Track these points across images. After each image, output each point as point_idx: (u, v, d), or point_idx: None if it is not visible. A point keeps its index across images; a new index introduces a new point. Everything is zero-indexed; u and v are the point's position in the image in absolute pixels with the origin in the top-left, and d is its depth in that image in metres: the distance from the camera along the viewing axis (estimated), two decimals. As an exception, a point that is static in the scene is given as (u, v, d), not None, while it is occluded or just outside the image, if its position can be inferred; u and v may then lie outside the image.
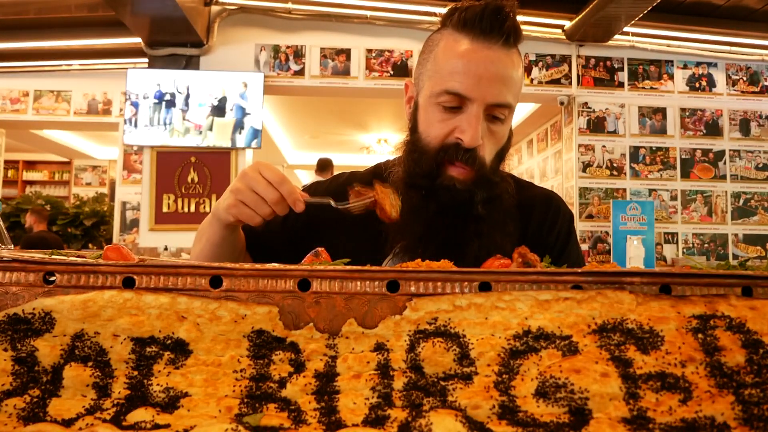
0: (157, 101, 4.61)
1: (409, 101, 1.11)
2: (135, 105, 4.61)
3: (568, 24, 4.64)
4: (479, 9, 0.98)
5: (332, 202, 0.94)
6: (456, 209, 1.00)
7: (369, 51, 4.77)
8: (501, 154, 1.04)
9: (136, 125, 4.61)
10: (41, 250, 0.66)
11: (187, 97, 4.61)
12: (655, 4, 3.95)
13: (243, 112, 4.64)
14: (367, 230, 1.04)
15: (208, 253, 1.03)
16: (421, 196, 1.02)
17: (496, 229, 1.02)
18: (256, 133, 4.67)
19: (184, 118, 4.62)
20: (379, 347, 0.55)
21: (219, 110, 4.63)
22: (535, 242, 1.05)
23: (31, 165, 9.77)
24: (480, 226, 1.01)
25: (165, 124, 4.61)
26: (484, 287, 0.59)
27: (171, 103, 4.61)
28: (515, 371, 0.52)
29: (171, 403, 0.51)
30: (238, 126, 4.65)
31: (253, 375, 0.53)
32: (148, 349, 0.55)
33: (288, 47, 4.75)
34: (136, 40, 4.64)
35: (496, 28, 0.97)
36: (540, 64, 4.86)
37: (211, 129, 4.63)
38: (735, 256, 4.83)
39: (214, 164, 4.66)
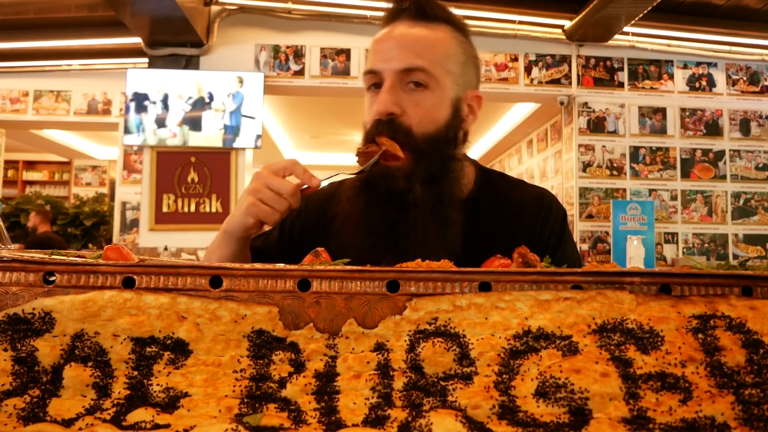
0: (157, 101, 4.61)
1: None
2: (135, 105, 4.61)
3: (568, 24, 4.64)
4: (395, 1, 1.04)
5: (345, 174, 0.97)
6: (390, 197, 0.99)
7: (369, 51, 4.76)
8: (441, 132, 1.01)
9: (136, 125, 4.61)
10: (41, 250, 0.66)
11: (187, 97, 4.61)
12: (655, 4, 3.95)
13: (243, 113, 4.64)
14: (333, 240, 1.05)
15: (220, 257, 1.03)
16: (357, 189, 1.04)
17: (439, 215, 1.00)
18: (256, 133, 4.67)
19: (184, 118, 4.62)
20: (379, 347, 0.55)
21: (219, 110, 4.63)
22: (528, 241, 1.05)
23: (31, 165, 9.77)
24: (420, 211, 0.99)
25: (165, 124, 4.61)
26: (484, 287, 0.59)
27: (171, 103, 4.61)
28: (515, 371, 0.52)
29: (171, 403, 0.51)
30: (239, 126, 4.64)
31: (253, 375, 0.53)
32: (148, 349, 0.55)
33: (288, 47, 4.75)
34: (136, 40, 4.63)
35: (399, 4, 1.03)
36: (540, 64, 4.86)
37: (211, 129, 4.63)
38: (735, 256, 4.83)
39: (214, 164, 4.66)
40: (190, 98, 4.61)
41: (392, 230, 1.00)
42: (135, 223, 4.88)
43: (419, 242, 0.98)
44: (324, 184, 0.98)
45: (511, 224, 1.11)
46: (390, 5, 1.07)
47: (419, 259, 0.64)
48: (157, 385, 0.52)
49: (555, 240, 1.13)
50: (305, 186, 0.93)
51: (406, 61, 0.98)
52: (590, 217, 4.79)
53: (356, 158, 0.98)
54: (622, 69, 4.91)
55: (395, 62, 0.99)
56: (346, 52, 4.76)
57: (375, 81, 1.03)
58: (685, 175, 4.88)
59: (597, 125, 4.87)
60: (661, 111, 4.91)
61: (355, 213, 1.03)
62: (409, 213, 0.99)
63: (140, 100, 4.61)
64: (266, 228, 1.03)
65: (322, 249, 0.74)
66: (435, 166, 1.01)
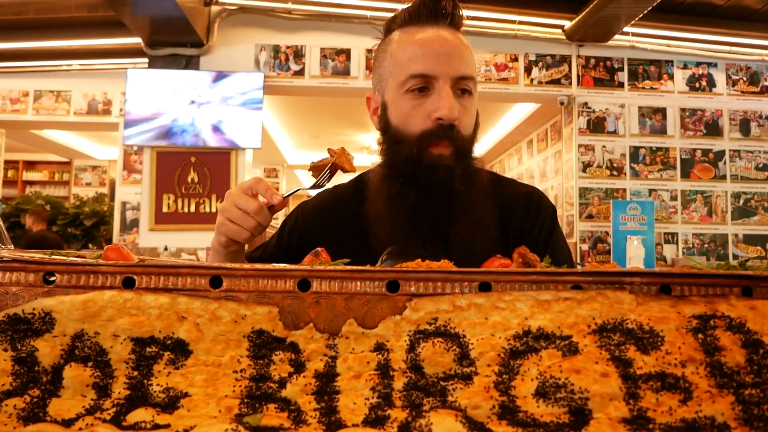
0: (157, 101, 4.61)
1: (375, 111, 1.15)
2: (135, 105, 4.61)
3: (568, 24, 4.64)
4: (420, 2, 1.06)
5: (302, 186, 0.99)
6: (437, 189, 1.02)
7: (369, 51, 4.76)
8: (474, 131, 1.08)
9: (136, 125, 4.60)
10: (41, 250, 0.66)
11: (187, 97, 4.61)
12: (655, 4, 3.95)
13: (243, 113, 4.64)
14: (358, 237, 1.08)
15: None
16: (401, 185, 1.04)
17: (476, 204, 1.05)
18: (256, 133, 4.67)
19: (184, 118, 4.62)
20: (379, 347, 0.55)
21: (219, 110, 4.63)
22: (518, 239, 1.09)
23: (31, 165, 9.77)
24: (463, 200, 1.04)
25: (165, 124, 4.61)
26: (484, 287, 0.59)
27: (171, 103, 4.60)
28: (515, 371, 0.52)
29: (171, 403, 0.51)
30: (238, 126, 4.64)
31: (253, 375, 0.53)
32: (148, 350, 0.55)
33: (288, 47, 4.75)
34: (136, 40, 4.63)
35: (439, 12, 1.05)
36: (540, 64, 4.86)
37: (211, 129, 4.63)
38: (735, 256, 4.83)
39: (214, 164, 4.66)
40: (189, 98, 4.61)
41: (437, 218, 1.03)
42: (135, 223, 4.88)
43: (465, 226, 1.03)
44: (286, 193, 1.01)
45: (503, 222, 1.13)
46: (406, 5, 1.08)
47: (419, 259, 0.64)
48: (157, 385, 0.52)
49: (545, 237, 1.15)
50: (271, 204, 0.96)
51: (462, 70, 1.02)
52: (590, 217, 4.79)
53: (309, 172, 1.01)
54: (622, 69, 4.91)
55: (452, 69, 1.01)
56: (346, 52, 4.76)
57: (423, 85, 1.02)
58: (685, 175, 4.88)
59: (597, 125, 4.87)
60: (661, 111, 4.91)
61: (391, 205, 1.05)
62: (458, 200, 1.03)
63: (140, 100, 4.61)
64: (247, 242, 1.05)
65: (322, 249, 0.74)
66: (469, 163, 1.06)
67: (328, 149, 1.00)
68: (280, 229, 1.24)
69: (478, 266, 0.64)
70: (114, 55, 5.16)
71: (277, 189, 1.01)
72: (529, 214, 1.15)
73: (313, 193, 1.23)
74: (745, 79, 5.00)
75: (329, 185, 1.07)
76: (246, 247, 1.06)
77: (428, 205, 1.02)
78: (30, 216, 5.67)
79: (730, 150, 4.93)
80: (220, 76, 4.62)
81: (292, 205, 4.98)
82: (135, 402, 0.51)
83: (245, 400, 0.51)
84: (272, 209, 0.96)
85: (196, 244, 4.55)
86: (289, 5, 4.56)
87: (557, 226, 1.19)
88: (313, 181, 1.01)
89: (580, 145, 4.84)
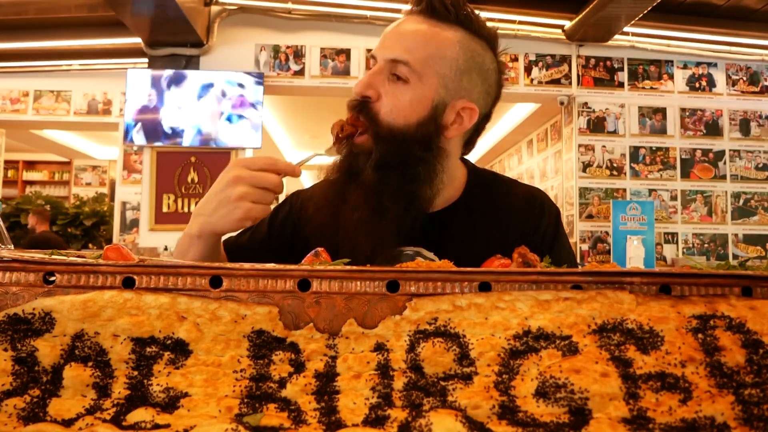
0: (157, 101, 4.61)
1: None
2: (135, 105, 4.61)
3: (568, 24, 4.64)
4: None
5: (317, 153, 1.00)
6: (352, 169, 1.02)
7: (369, 51, 4.75)
8: (411, 129, 1.00)
9: (136, 125, 4.60)
10: (41, 250, 0.66)
11: (187, 97, 4.61)
12: (655, 4, 3.95)
13: (243, 112, 4.64)
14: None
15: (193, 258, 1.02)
16: (335, 164, 1.07)
17: (370, 200, 1.01)
18: (256, 133, 4.67)
19: (184, 118, 4.62)
20: (379, 347, 0.55)
21: (219, 110, 4.63)
22: (520, 242, 1.05)
23: (31, 165, 9.77)
24: (355, 192, 1.01)
25: (165, 123, 4.61)
26: (484, 287, 0.59)
27: (171, 103, 4.60)
28: (515, 371, 0.52)
29: (171, 403, 0.51)
30: (238, 126, 4.64)
31: (253, 375, 0.53)
32: (148, 349, 0.55)
33: (288, 47, 4.75)
34: (136, 40, 4.63)
35: (415, 3, 1.05)
36: (540, 64, 4.86)
37: (211, 129, 4.63)
38: (735, 256, 4.83)
39: (214, 164, 4.66)
40: (189, 98, 4.61)
41: (340, 207, 1.03)
42: (135, 223, 4.88)
43: (350, 222, 1.01)
44: (302, 160, 1.00)
45: (505, 224, 1.10)
46: (407, 6, 1.08)
47: (419, 259, 0.64)
48: (157, 385, 0.52)
49: (549, 240, 1.12)
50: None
51: (395, 53, 1.00)
52: (590, 217, 4.79)
53: (333, 144, 1.03)
54: (622, 69, 4.91)
55: (387, 51, 1.01)
56: (346, 52, 4.77)
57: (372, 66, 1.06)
58: (685, 175, 4.88)
59: (597, 125, 4.87)
60: (661, 111, 4.91)
61: (324, 192, 1.08)
62: (351, 190, 1.02)
63: (140, 100, 4.61)
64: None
65: (322, 249, 0.74)
66: (390, 157, 1.00)
67: (336, 122, 1.01)
68: (272, 215, 1.21)
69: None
70: (114, 55, 5.16)
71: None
72: (531, 217, 1.12)
73: (329, 160, 1.15)
74: (745, 79, 5.01)
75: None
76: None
77: (336, 191, 1.04)
78: (33, 215, 5.67)
79: (730, 150, 4.93)
80: (220, 76, 4.62)
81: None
82: (135, 402, 0.51)
83: (245, 400, 0.51)
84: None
85: (196, 244, 4.55)
86: (289, 5, 4.57)
87: (561, 228, 1.16)
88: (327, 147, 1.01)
89: (580, 145, 4.84)
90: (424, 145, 1.01)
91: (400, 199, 1.01)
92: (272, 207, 1.07)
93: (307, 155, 1.01)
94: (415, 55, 0.99)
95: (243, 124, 4.64)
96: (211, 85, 4.62)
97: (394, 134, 0.99)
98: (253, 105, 4.64)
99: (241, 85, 4.63)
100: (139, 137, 4.61)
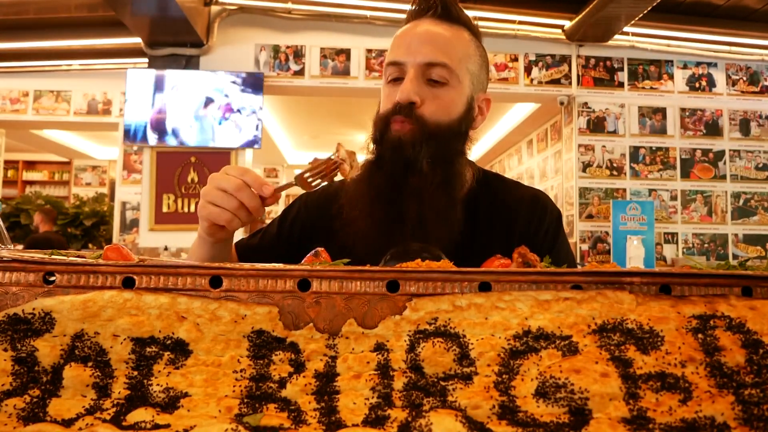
0: (157, 101, 4.61)
1: None
2: (135, 105, 4.61)
3: (568, 24, 4.64)
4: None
5: (294, 180, 0.94)
6: (400, 166, 1.02)
7: (369, 51, 4.77)
8: (454, 124, 1.06)
9: (135, 125, 4.60)
10: (41, 250, 0.66)
11: (187, 97, 4.61)
12: (655, 4, 3.95)
13: (243, 112, 4.64)
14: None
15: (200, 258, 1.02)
16: (371, 164, 1.06)
17: (441, 192, 1.04)
18: (256, 133, 4.67)
19: (184, 118, 4.62)
20: (379, 347, 0.55)
21: (219, 110, 4.63)
22: (522, 242, 1.06)
23: (31, 165, 9.77)
24: (422, 181, 1.02)
25: (165, 124, 4.61)
26: (484, 287, 0.59)
27: (171, 103, 4.60)
28: (515, 371, 0.52)
29: (171, 403, 0.51)
30: (238, 126, 4.64)
31: (253, 375, 0.53)
32: (148, 350, 0.55)
33: (288, 47, 4.75)
34: (136, 40, 4.63)
35: (425, 4, 1.08)
36: (540, 64, 4.86)
37: (211, 129, 4.63)
38: (735, 256, 4.83)
39: (214, 164, 4.66)
40: (189, 98, 4.61)
41: (398, 196, 1.03)
42: (135, 223, 4.88)
43: (422, 210, 1.01)
44: (280, 185, 0.96)
45: (507, 225, 1.13)
46: (408, 6, 1.11)
47: (418, 260, 0.64)
48: (157, 385, 0.52)
49: (550, 241, 1.14)
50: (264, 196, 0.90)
51: (430, 56, 1.03)
52: (590, 217, 4.79)
53: (307, 165, 0.96)
54: (622, 69, 4.91)
55: (420, 56, 1.03)
56: (346, 52, 4.76)
57: (397, 74, 1.06)
58: (685, 175, 4.88)
59: (597, 125, 4.87)
60: (661, 111, 4.91)
61: (363, 185, 1.06)
62: (414, 179, 1.02)
63: (140, 100, 4.61)
64: (238, 229, 1.00)
65: (322, 249, 0.74)
66: (441, 148, 1.04)
67: (338, 144, 0.95)
68: (281, 216, 1.23)
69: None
70: (114, 55, 5.16)
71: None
72: (533, 218, 1.14)
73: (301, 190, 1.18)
74: (745, 79, 5.00)
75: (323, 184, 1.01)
76: (243, 231, 1.02)
77: (390, 180, 1.03)
78: (39, 214, 5.67)
79: (730, 150, 4.93)
80: (220, 76, 4.62)
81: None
82: (135, 402, 0.51)
83: (245, 400, 0.51)
84: (264, 202, 0.90)
85: (196, 244, 4.54)
86: (289, 5, 4.56)
87: (562, 230, 1.18)
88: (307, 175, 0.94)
89: (580, 145, 4.84)
90: (463, 139, 1.10)
91: (458, 189, 1.08)
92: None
93: (287, 183, 0.96)
94: (450, 56, 1.04)
95: (243, 124, 4.64)
96: (211, 86, 4.62)
97: (442, 132, 1.05)
98: (252, 105, 4.64)
99: (241, 85, 4.63)
100: (138, 137, 4.61)
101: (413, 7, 1.11)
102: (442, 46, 1.04)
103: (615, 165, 4.83)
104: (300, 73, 4.74)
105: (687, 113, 4.93)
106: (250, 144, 4.66)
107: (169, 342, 0.55)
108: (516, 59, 4.83)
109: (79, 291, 0.58)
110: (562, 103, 4.92)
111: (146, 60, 4.75)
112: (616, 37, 4.72)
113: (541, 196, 1.19)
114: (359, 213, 1.05)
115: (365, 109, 6.95)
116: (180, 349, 0.55)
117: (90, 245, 6.40)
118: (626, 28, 4.59)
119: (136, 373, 0.53)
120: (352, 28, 4.72)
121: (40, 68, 5.37)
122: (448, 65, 1.03)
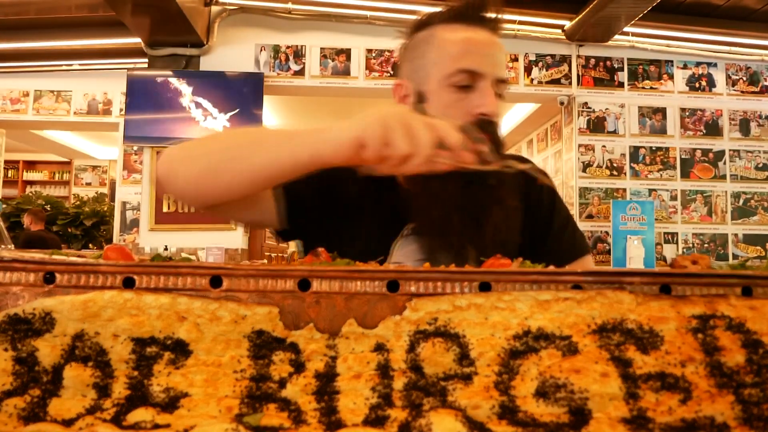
0: (157, 101, 4.61)
1: (403, 99, 1.12)
2: (135, 105, 4.61)
3: (568, 24, 4.64)
4: (468, 3, 1.09)
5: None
6: (478, 179, 1.02)
7: (369, 51, 4.77)
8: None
9: (136, 125, 4.60)
10: (41, 250, 0.67)
11: (187, 97, 4.61)
12: (654, 4, 3.95)
13: (243, 113, 4.64)
14: (386, 208, 1.10)
15: (268, 175, 0.94)
16: (442, 176, 1.02)
17: (509, 195, 1.09)
18: (256, 133, 4.66)
19: (184, 118, 4.62)
20: (379, 347, 0.55)
21: (219, 110, 4.63)
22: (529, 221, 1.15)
23: (31, 165, 9.77)
24: (499, 192, 1.06)
25: (165, 124, 4.61)
26: (484, 287, 0.59)
27: (171, 103, 4.60)
28: (515, 371, 0.52)
29: (171, 403, 0.51)
30: (238, 126, 4.64)
31: (253, 375, 0.53)
32: (149, 350, 0.55)
33: (288, 47, 4.75)
34: (136, 40, 4.63)
35: (485, 16, 1.09)
36: (540, 64, 4.86)
37: (210, 129, 4.63)
38: (735, 256, 4.83)
39: (214, 164, 4.66)
40: (189, 98, 4.61)
41: (476, 206, 1.05)
42: (135, 223, 4.88)
43: (502, 217, 1.05)
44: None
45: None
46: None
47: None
48: (157, 385, 0.52)
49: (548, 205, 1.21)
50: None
51: (503, 73, 1.07)
52: (590, 217, 4.79)
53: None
54: (622, 69, 4.91)
55: (498, 70, 1.06)
56: (346, 52, 4.76)
57: (468, 82, 1.04)
58: (685, 175, 4.88)
59: (597, 125, 4.87)
60: (661, 111, 4.91)
61: (431, 194, 1.03)
62: (493, 190, 1.04)
63: (140, 100, 4.61)
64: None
65: (322, 249, 0.74)
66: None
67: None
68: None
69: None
70: (114, 55, 5.16)
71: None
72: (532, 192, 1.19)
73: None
74: (744, 79, 5.00)
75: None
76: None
77: (469, 192, 1.03)
78: (28, 216, 5.69)
79: (729, 150, 4.93)
80: (220, 76, 4.62)
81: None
82: (135, 402, 0.51)
83: (245, 400, 0.51)
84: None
85: (196, 244, 4.54)
86: (289, 5, 4.56)
87: (558, 198, 1.24)
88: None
89: (580, 145, 4.84)
90: None
91: (514, 197, 1.13)
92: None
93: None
94: (506, 71, 1.10)
95: (243, 124, 4.64)
96: (211, 85, 4.61)
97: (502, 145, 1.08)
98: (253, 105, 4.64)
99: (241, 86, 4.63)
100: (138, 137, 4.61)
101: (468, 12, 1.08)
102: (503, 61, 1.08)
103: (615, 165, 4.83)
104: (300, 73, 4.74)
105: (687, 113, 4.93)
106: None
107: (169, 342, 0.55)
108: (516, 59, 4.83)
109: (79, 291, 0.58)
110: (562, 103, 4.92)
111: (146, 60, 4.75)
112: (616, 37, 4.72)
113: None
114: (433, 225, 1.05)
115: (365, 109, 6.91)
116: (180, 349, 0.55)
117: (90, 245, 6.40)
118: (626, 28, 4.59)
119: (136, 373, 0.53)
120: (352, 28, 4.72)
121: (41, 68, 5.37)
122: (508, 81, 1.09)
